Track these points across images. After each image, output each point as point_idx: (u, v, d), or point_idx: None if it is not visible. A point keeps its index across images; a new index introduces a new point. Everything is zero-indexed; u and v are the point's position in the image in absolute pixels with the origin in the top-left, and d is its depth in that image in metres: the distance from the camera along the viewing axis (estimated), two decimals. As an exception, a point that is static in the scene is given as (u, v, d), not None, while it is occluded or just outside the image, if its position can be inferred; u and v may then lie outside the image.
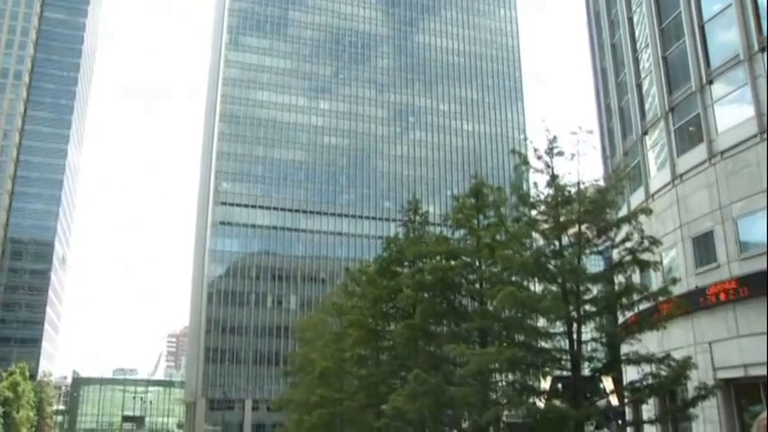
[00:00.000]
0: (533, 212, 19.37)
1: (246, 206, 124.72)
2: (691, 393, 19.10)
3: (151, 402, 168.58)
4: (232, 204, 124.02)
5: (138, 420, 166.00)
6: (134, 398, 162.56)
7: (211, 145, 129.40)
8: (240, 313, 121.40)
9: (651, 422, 20.64)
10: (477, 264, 22.23)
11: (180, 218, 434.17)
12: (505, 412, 23.42)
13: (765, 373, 24.00)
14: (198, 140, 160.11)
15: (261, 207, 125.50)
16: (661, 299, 18.94)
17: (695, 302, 26.77)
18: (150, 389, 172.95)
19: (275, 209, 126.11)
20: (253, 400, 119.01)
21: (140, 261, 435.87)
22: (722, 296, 25.87)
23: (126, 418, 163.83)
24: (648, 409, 23.29)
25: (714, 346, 26.53)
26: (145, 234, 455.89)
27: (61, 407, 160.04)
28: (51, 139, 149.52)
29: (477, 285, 21.92)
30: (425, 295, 22.44)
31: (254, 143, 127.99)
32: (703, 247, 27.78)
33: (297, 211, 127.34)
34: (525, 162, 19.37)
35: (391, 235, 29.52)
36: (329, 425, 29.43)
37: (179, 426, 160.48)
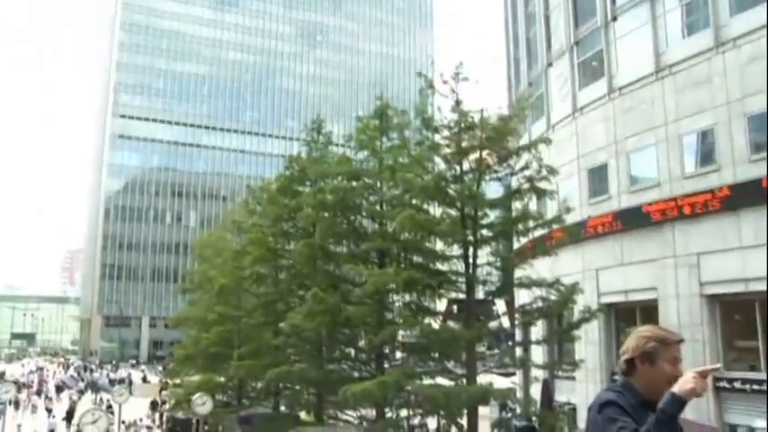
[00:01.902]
0: (436, 137, 19.48)
1: (147, 120, 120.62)
2: (576, 316, 20.06)
3: (43, 319, 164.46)
4: (131, 117, 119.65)
5: (28, 338, 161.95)
6: (24, 315, 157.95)
7: (111, 55, 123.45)
8: (138, 229, 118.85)
9: (538, 343, 21.62)
10: (379, 185, 22.30)
11: (77, 131, 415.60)
12: (401, 332, 24.03)
13: (643, 297, 25.48)
14: (97, 50, 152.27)
15: (162, 121, 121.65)
16: (555, 226, 19.58)
17: (586, 231, 27.92)
18: (42, 305, 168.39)
19: (177, 124, 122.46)
20: (150, 318, 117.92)
21: (34, 175, 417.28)
22: (607, 227, 27.07)
23: (15, 336, 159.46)
24: (537, 331, 24.38)
25: (600, 273, 27.88)
26: (39, 146, 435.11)
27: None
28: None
29: (378, 207, 22.04)
30: (326, 215, 22.42)
31: (156, 55, 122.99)
32: (597, 179, 28.83)
33: (199, 126, 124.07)
34: (431, 86, 19.35)
35: (294, 154, 29.13)
36: (227, 342, 29.44)
37: (73, 343, 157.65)
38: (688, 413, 15.90)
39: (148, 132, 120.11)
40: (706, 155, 24.61)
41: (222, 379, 31.91)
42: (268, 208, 27.42)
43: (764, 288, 22.30)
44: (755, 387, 22.38)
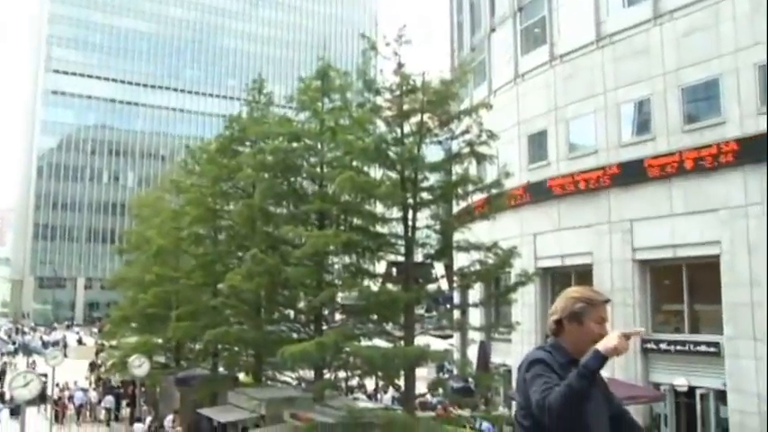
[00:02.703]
0: (378, 99, 19.40)
1: (82, 75, 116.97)
2: (513, 280, 20.43)
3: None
4: (66, 73, 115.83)
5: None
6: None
7: (43, 6, 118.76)
8: (74, 189, 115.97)
9: (476, 306, 21.97)
10: (319, 147, 22.16)
11: (7, 85, 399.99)
12: (340, 294, 24.13)
13: (579, 262, 26.09)
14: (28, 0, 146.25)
15: (98, 78, 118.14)
16: (494, 191, 19.82)
17: (524, 196, 28.36)
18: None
19: (114, 80, 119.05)
20: (86, 278, 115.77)
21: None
22: (553, 190, 27.55)
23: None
24: (474, 294, 24.78)
25: (538, 238, 28.42)
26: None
27: None
28: None
29: (318, 168, 21.93)
30: (266, 176, 22.22)
31: (92, 8, 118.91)
32: (537, 145, 29.22)
33: (137, 84, 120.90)
34: (373, 48, 19.21)
35: (234, 114, 28.69)
36: (165, 303, 29.11)
37: (3, 304, 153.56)
38: (617, 373, 16.48)
39: (84, 89, 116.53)
40: (642, 124, 25.15)
41: (160, 340, 31.66)
42: (207, 168, 27.03)
43: (692, 254, 23.09)
44: (679, 348, 23.27)
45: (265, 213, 22.82)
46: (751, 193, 21.12)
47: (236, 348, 26.83)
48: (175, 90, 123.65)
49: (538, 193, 28.22)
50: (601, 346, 2.98)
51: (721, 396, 21.93)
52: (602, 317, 3.28)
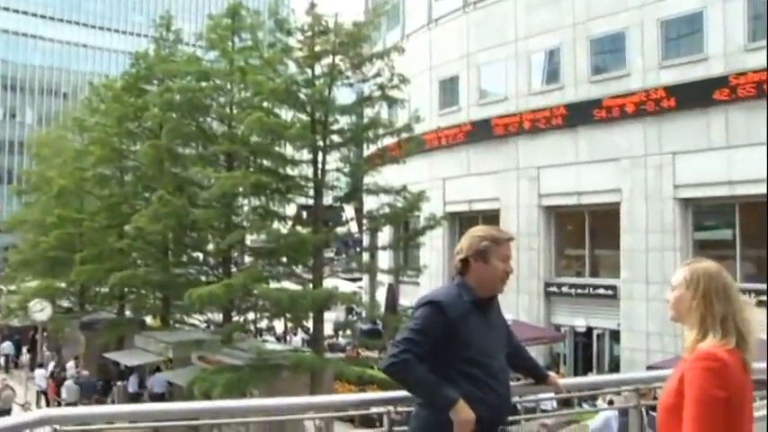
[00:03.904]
0: (289, 40, 19.06)
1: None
2: (422, 224, 20.74)
3: None
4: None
5: None
6: None
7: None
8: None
9: (384, 249, 22.24)
10: (229, 87, 21.66)
11: None
12: (250, 236, 23.95)
13: (486, 207, 26.68)
14: None
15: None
16: (404, 135, 19.91)
17: (435, 141, 28.62)
18: None
19: (8, 10, 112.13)
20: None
21: None
22: (463, 136, 27.89)
23: None
24: (383, 237, 25.06)
25: (447, 183, 28.84)
26: None
27: None
28: None
29: (227, 109, 21.45)
30: (173, 116, 21.59)
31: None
32: (448, 91, 29.43)
33: (35, 15, 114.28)
34: (285, -14, 18.81)
35: (141, 51, 27.60)
36: (68, 246, 28.17)
37: None
38: (521, 316, 17.00)
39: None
40: (551, 73, 25.66)
41: (63, 284, 30.71)
42: (112, 107, 26.03)
43: (594, 201, 23.94)
44: (579, 291, 24.31)
45: (173, 154, 22.26)
46: (650, 143, 21.97)
47: (143, 291, 26.41)
48: (78, 24, 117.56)
49: (448, 138, 28.52)
50: (456, 420, 3.03)
51: (615, 336, 23.14)
52: (507, 254, 3.32)
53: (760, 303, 16.64)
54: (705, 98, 20.58)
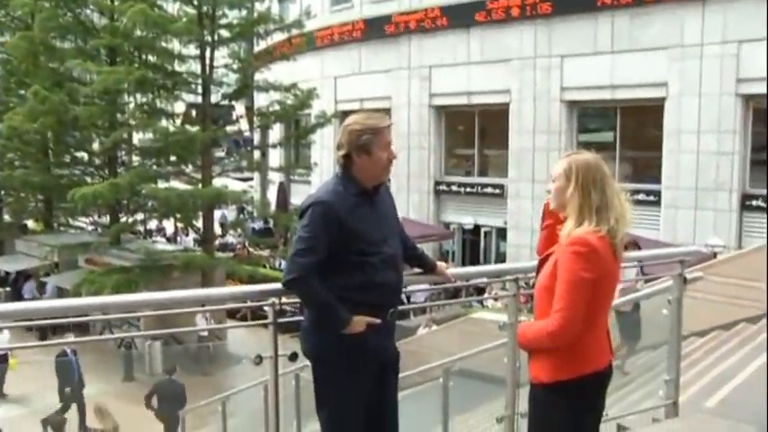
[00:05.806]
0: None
1: None
2: (312, 122, 20.62)
3: None
4: None
5: None
6: None
7: None
8: None
9: (275, 146, 22.08)
10: (108, -25, 20.44)
11: None
12: (136, 135, 23.18)
13: (378, 106, 26.67)
14: None
15: None
16: (295, 31, 19.49)
17: (326, 39, 28.12)
18: None
19: None
20: None
21: None
22: (355, 34, 27.49)
23: None
24: (274, 135, 24.79)
25: (338, 81, 28.57)
26: None
27: None
28: None
29: (108, 0, 20.28)
30: (46, 5, 20.22)
31: None
32: (340, -14, 28.75)
33: None
34: None
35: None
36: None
37: None
38: (412, 214, 17.39)
39: None
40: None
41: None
42: (-25, -8, 24.06)
43: (484, 101, 24.35)
44: (468, 190, 25.00)
45: (48, 47, 20.91)
46: (540, 46, 22.36)
47: (23, 194, 25.27)
48: None
49: (340, 35, 28.07)
50: (347, 329, 3.14)
51: (502, 233, 24.08)
52: (388, 141, 3.27)
53: (635, 203, 17.62)
54: (591, 2, 20.98)
